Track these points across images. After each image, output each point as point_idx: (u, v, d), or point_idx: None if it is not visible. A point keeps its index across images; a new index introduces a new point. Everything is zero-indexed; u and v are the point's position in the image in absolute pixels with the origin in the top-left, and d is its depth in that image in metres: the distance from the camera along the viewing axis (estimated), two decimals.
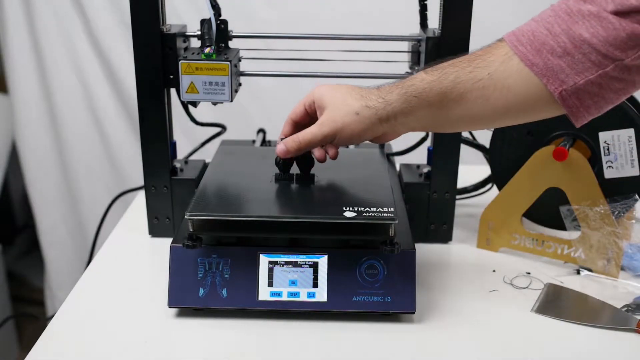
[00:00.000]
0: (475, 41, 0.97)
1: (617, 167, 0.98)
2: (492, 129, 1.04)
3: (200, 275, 0.83)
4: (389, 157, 1.16)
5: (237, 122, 1.75)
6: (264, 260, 0.84)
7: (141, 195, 1.21)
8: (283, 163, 0.92)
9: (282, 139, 0.87)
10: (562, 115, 0.98)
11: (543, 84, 0.73)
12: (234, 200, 0.88)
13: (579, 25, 0.70)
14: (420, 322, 0.85)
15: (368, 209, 0.81)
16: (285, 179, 0.92)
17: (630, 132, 0.96)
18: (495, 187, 1.11)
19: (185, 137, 1.62)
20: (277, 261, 0.84)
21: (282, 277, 0.83)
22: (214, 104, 0.99)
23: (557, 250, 1.01)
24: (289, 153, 0.85)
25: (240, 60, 1.02)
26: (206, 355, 0.79)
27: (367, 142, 1.27)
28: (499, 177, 1.06)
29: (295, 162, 0.92)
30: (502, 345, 0.82)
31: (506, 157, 1.04)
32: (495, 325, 0.85)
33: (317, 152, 0.87)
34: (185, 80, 0.94)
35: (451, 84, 0.76)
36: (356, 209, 0.81)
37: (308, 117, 0.88)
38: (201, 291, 0.83)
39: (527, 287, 0.94)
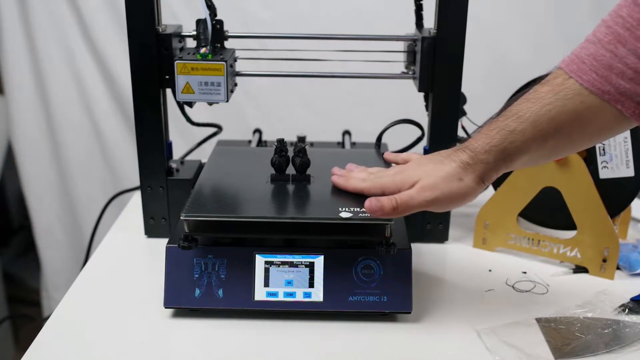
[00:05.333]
0: (471, 41, 0.97)
1: (612, 167, 0.98)
2: None
3: (196, 275, 0.83)
4: None
5: (233, 122, 1.75)
6: (259, 260, 0.83)
7: (137, 196, 1.21)
8: (279, 164, 0.92)
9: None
10: None
11: (618, 110, 0.69)
12: (230, 201, 0.88)
13: None
14: (417, 322, 0.85)
15: (364, 209, 0.81)
16: (282, 180, 0.92)
17: (626, 132, 0.96)
18: (491, 186, 1.11)
19: (181, 137, 1.62)
20: (273, 261, 0.83)
21: (278, 277, 0.83)
22: (210, 104, 0.99)
23: (552, 249, 1.01)
24: (383, 211, 0.77)
25: (235, 61, 1.02)
26: (202, 355, 0.79)
27: (363, 141, 1.26)
28: None
29: (291, 162, 0.92)
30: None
31: None
32: (491, 325, 0.85)
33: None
34: (180, 80, 0.93)
35: (545, 120, 0.72)
36: (352, 209, 0.81)
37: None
38: (197, 291, 0.83)
39: (523, 288, 0.95)
